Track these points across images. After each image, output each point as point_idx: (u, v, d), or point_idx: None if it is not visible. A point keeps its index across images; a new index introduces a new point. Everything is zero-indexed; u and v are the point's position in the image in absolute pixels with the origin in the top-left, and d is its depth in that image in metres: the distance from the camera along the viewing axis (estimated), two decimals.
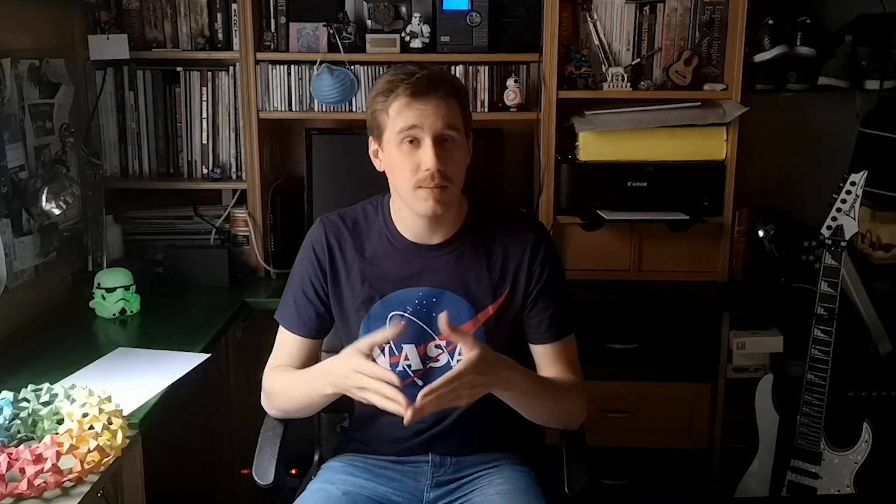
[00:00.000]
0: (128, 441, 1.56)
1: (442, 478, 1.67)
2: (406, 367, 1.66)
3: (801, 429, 2.39)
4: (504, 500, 1.59)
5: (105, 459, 1.48)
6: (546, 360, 1.67)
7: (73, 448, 1.45)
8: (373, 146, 1.64)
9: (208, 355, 2.04)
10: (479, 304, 1.64)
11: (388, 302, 1.64)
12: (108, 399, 1.62)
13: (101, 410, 1.55)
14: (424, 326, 1.64)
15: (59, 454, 1.42)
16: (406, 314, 1.64)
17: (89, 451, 1.45)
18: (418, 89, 1.52)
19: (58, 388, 1.69)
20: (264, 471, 1.66)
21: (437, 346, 1.65)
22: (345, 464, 1.71)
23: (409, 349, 1.65)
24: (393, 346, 1.64)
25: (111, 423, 1.54)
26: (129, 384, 1.82)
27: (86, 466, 1.44)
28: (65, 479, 1.41)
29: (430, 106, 1.53)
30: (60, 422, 1.57)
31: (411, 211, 1.61)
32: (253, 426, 1.80)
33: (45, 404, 1.63)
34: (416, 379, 1.66)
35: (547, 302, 1.66)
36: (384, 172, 1.64)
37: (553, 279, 1.67)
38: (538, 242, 1.67)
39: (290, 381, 1.65)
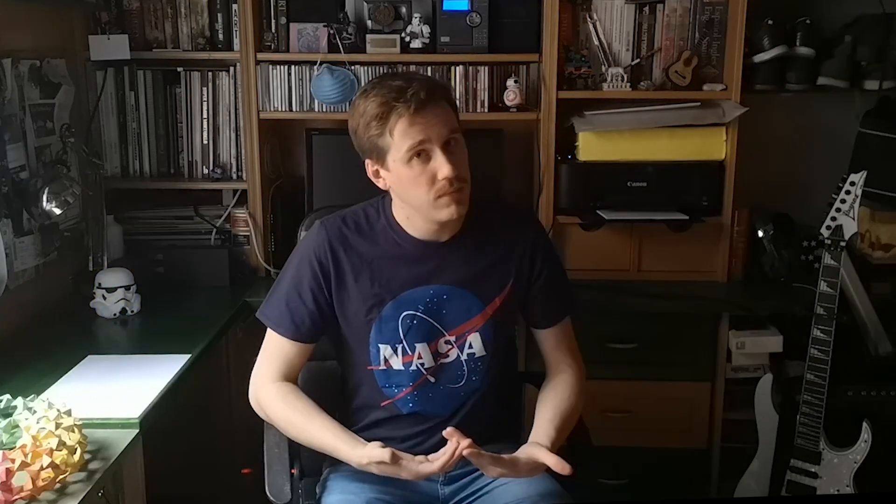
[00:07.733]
0: (86, 458, 1.49)
1: (453, 472, 1.65)
2: (419, 365, 1.67)
3: (801, 428, 2.39)
4: (518, 485, 1.60)
5: (60, 476, 1.41)
6: (549, 343, 1.76)
7: (25, 465, 1.38)
8: (372, 167, 1.63)
9: (189, 356, 2.02)
10: (486, 298, 1.67)
11: (400, 302, 1.65)
12: (68, 413, 1.53)
13: (57, 425, 1.47)
14: (435, 323, 1.66)
15: (9, 472, 1.36)
16: (418, 313, 1.65)
17: (42, 469, 1.38)
18: (418, 106, 1.52)
19: (18, 400, 1.60)
20: (279, 489, 1.62)
21: (447, 342, 1.67)
22: (353, 472, 1.63)
23: (421, 347, 1.66)
24: (406, 345, 1.65)
25: (68, 440, 1.46)
26: (132, 383, 1.83)
27: (39, 484, 1.37)
28: (15, 497, 1.34)
29: (432, 116, 1.53)
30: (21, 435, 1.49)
31: (430, 220, 1.62)
32: (253, 426, 1.80)
33: (5, 416, 1.55)
34: (428, 376, 1.67)
35: (549, 287, 1.74)
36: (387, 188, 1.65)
37: (553, 265, 1.75)
38: (535, 233, 1.75)
39: (297, 424, 1.61)
